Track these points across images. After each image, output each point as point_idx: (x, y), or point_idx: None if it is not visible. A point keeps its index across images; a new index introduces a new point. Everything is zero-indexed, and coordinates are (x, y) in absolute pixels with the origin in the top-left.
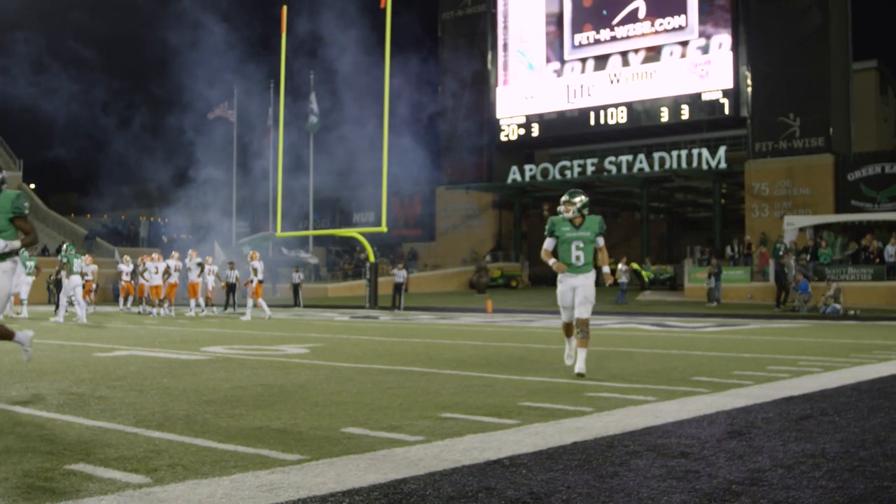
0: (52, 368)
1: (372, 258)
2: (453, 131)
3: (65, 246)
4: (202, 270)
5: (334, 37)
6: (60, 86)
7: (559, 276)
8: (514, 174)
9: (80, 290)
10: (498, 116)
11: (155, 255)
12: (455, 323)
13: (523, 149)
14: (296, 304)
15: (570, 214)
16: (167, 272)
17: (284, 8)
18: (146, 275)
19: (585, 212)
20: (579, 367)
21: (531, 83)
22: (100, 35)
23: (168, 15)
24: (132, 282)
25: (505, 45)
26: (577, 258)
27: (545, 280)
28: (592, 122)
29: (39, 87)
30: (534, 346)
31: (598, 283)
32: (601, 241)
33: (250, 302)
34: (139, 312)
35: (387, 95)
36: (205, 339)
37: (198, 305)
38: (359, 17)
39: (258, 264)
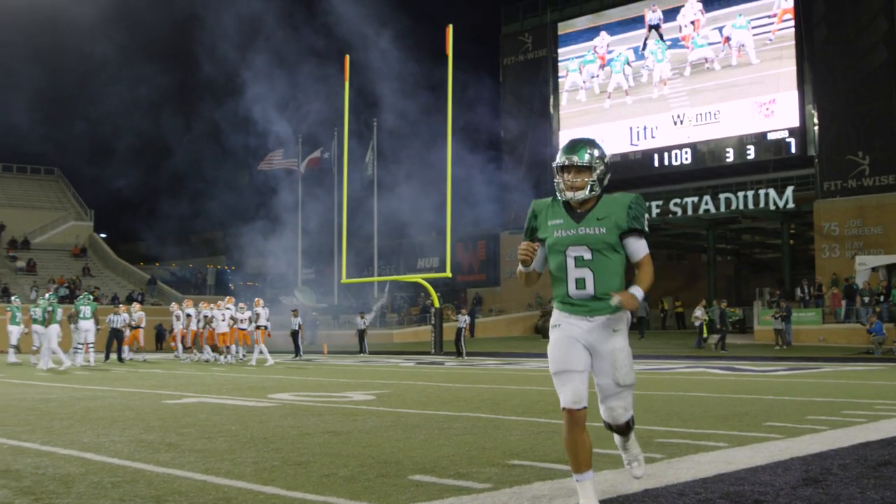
0: (123, 416)
1: (437, 303)
2: (516, 175)
3: (47, 296)
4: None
5: (396, 83)
6: (131, 141)
7: (553, 315)
8: None
9: (55, 340)
10: None
11: (221, 302)
12: (521, 368)
13: None
14: (361, 351)
15: (577, 196)
16: (234, 319)
17: (347, 57)
18: (213, 322)
19: (598, 188)
20: (638, 469)
21: (593, 126)
22: (166, 88)
23: (232, 66)
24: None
25: (567, 89)
26: (582, 284)
27: None
28: (656, 164)
29: (111, 142)
30: None
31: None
32: (641, 247)
33: (257, 348)
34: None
35: (449, 141)
36: (271, 387)
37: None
38: (421, 64)
39: (262, 310)
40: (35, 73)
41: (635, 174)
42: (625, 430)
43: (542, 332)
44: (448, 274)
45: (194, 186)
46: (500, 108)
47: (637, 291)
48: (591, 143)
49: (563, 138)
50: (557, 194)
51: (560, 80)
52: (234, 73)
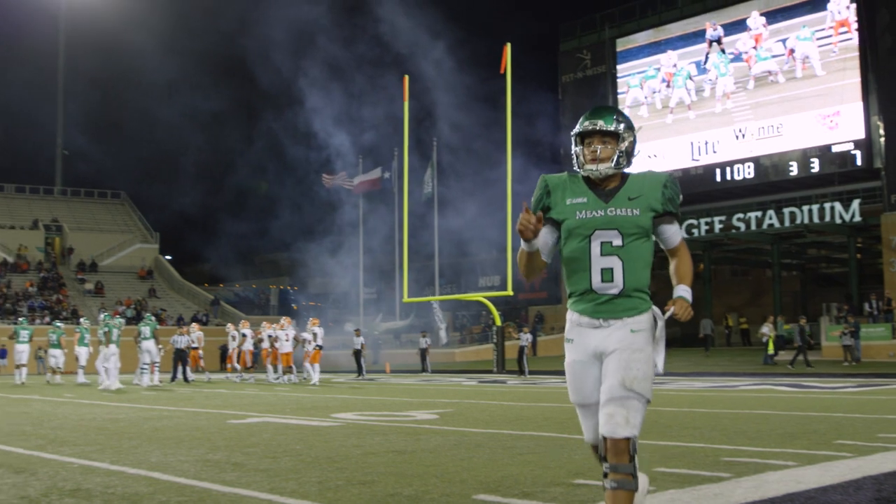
0: (189, 435)
1: (498, 322)
2: None
3: (102, 316)
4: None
5: (455, 101)
6: (194, 165)
7: (567, 322)
8: None
9: (114, 359)
10: None
11: (283, 322)
12: None
13: None
14: (423, 370)
15: (598, 169)
16: (297, 339)
17: (406, 77)
18: (277, 343)
19: (626, 163)
20: None
21: (654, 142)
22: (227, 113)
23: (293, 87)
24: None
25: (628, 105)
26: (609, 276)
27: (676, 341)
28: (718, 179)
29: (175, 165)
30: (667, 410)
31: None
32: (676, 233)
33: (311, 367)
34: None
35: (509, 157)
36: (335, 406)
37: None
38: (480, 80)
39: (318, 330)
40: (98, 99)
41: (697, 189)
42: (622, 455)
43: None
44: (510, 292)
45: (257, 208)
46: (560, 125)
47: (686, 293)
48: (618, 111)
49: None
50: (576, 168)
51: (620, 95)
52: (295, 96)
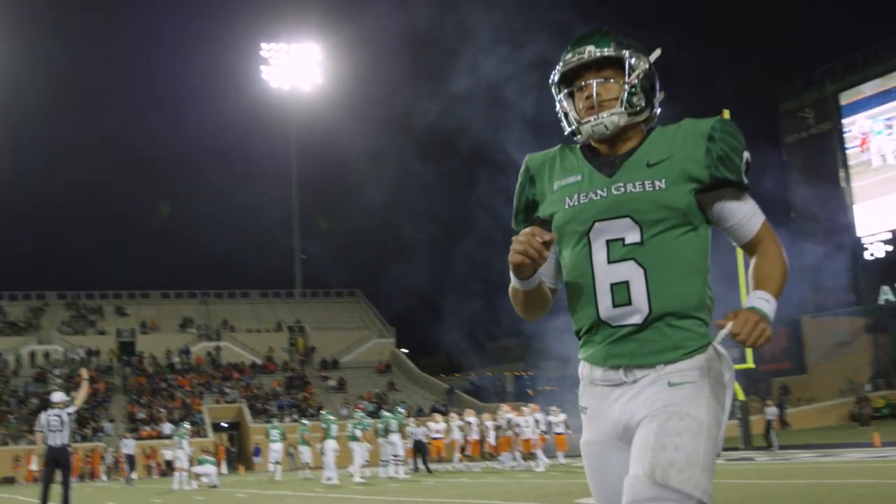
0: None
1: (741, 396)
2: (811, 257)
3: (322, 412)
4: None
5: None
6: (421, 261)
7: (580, 391)
8: (885, 294)
9: (330, 455)
10: (859, 235)
11: (524, 409)
12: (840, 460)
13: (892, 266)
14: None
15: (604, 121)
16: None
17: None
18: (517, 428)
19: (644, 104)
20: None
21: (892, 196)
22: (445, 197)
23: (508, 165)
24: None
25: (858, 161)
26: (624, 294)
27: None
28: None
29: (404, 262)
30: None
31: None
32: (747, 215)
33: (537, 453)
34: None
35: None
36: (577, 491)
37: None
38: None
39: (541, 416)
40: (327, 201)
41: None
42: None
43: (858, 419)
44: (751, 364)
45: (485, 298)
46: (787, 187)
47: (763, 302)
48: (614, 30)
49: (859, 212)
50: (569, 132)
51: (849, 150)
52: (510, 172)
